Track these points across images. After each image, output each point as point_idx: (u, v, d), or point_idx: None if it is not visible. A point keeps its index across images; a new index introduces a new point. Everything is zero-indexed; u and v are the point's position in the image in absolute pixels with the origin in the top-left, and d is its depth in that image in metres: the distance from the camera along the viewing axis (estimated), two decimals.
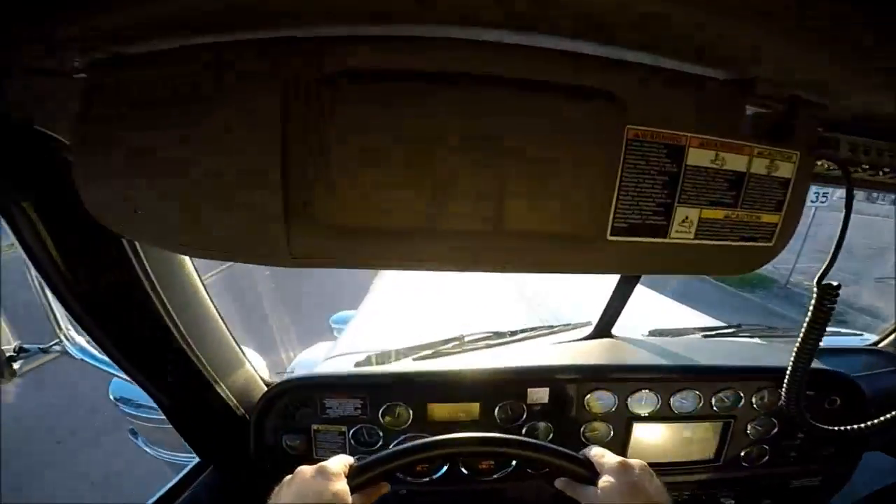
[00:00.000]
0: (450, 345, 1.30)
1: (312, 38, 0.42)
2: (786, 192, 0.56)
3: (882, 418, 0.74)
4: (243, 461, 1.04)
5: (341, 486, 0.66)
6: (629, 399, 1.08)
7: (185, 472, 1.05)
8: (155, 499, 0.96)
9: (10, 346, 1.10)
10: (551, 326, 1.45)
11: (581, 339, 1.35)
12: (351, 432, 1.04)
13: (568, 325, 1.46)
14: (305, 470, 0.69)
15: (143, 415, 1.41)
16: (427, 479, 1.06)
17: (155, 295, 0.77)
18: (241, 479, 1.06)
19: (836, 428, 0.80)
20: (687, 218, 0.54)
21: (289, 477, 0.69)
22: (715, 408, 1.10)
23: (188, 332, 0.85)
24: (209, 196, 0.45)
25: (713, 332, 1.48)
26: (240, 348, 1.07)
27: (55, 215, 0.63)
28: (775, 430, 1.14)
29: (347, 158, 0.45)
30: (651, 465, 1.06)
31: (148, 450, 1.56)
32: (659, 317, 1.95)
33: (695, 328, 1.52)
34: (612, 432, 1.09)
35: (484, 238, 0.50)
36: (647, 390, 1.08)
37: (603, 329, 1.36)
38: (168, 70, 0.43)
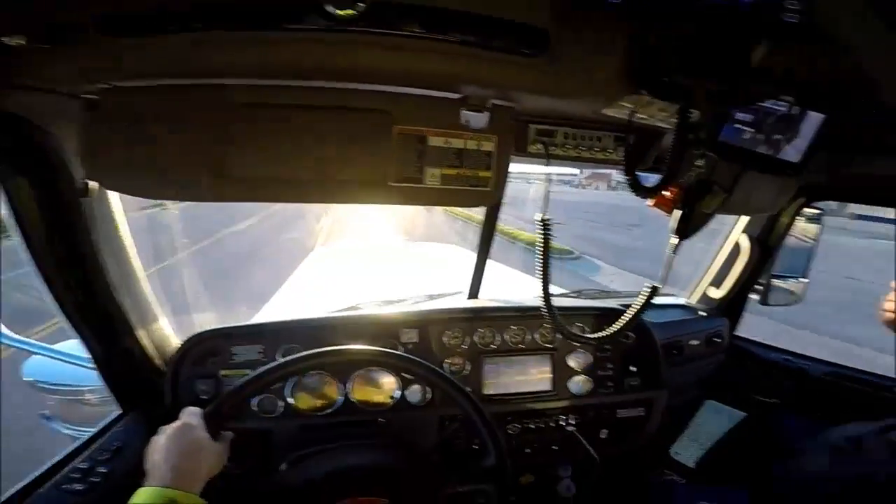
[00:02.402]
0: (345, 310, 1.56)
1: (229, 85, 0.81)
2: (491, 159, 0.97)
3: (605, 332, 1.12)
4: (159, 408, 1.22)
5: (202, 434, 0.83)
6: (475, 336, 1.40)
7: (104, 423, 1.20)
8: (77, 444, 1.11)
9: None
10: (431, 295, 1.76)
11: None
12: None
13: (444, 293, 1.78)
14: (167, 429, 0.84)
15: (61, 388, 1.53)
16: (327, 411, 1.27)
17: (98, 251, 1.03)
18: (154, 425, 1.24)
19: (588, 336, 1.16)
20: (434, 174, 0.95)
21: (156, 437, 0.83)
22: (539, 341, 1.44)
23: (120, 286, 1.10)
24: (172, 165, 0.83)
25: (559, 295, 1.87)
26: (159, 310, 1.27)
27: (41, 189, 0.91)
28: (590, 361, 1.47)
29: (245, 144, 0.85)
30: (504, 395, 1.38)
31: (63, 430, 1.64)
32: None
33: (553, 294, 1.89)
34: (467, 365, 1.39)
35: (320, 184, 0.92)
36: (486, 328, 1.41)
37: (473, 293, 1.69)
38: (145, 97, 0.79)
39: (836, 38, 0.75)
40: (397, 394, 1.32)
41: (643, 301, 1.04)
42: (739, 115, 0.93)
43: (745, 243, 1.76)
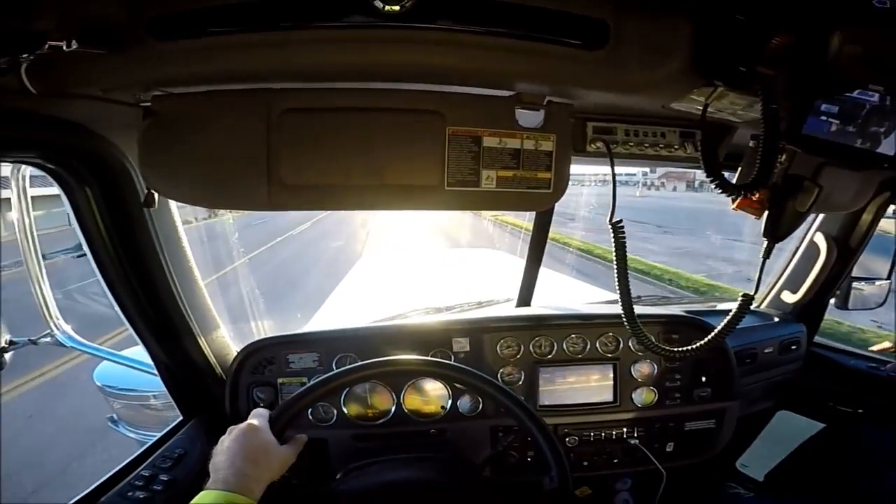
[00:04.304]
0: (393, 318, 1.55)
1: (279, 89, 0.81)
2: (551, 159, 0.92)
3: (697, 344, 1.01)
4: (219, 414, 1.25)
5: (268, 437, 0.82)
6: (531, 345, 1.35)
7: (168, 429, 1.24)
8: (143, 449, 1.16)
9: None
10: (480, 302, 1.73)
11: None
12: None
13: (492, 300, 1.74)
14: (234, 429, 0.82)
15: (127, 394, 1.60)
16: (379, 421, 1.27)
17: (163, 259, 1.07)
18: (215, 431, 1.27)
19: (673, 349, 1.05)
20: (489, 176, 0.91)
21: (223, 437, 0.82)
22: (600, 350, 1.37)
23: (184, 294, 1.13)
24: (228, 174, 0.83)
25: (611, 302, 1.78)
26: (218, 319, 1.31)
27: (107, 199, 0.95)
28: (656, 371, 1.38)
29: (297, 151, 0.83)
30: (560, 406, 1.33)
31: (129, 433, 1.72)
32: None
33: (606, 301, 1.81)
34: (522, 375, 1.34)
35: (376, 190, 0.89)
36: (543, 337, 1.35)
37: (523, 301, 1.64)
38: (196, 104, 0.79)
39: None
40: (448, 403, 1.29)
41: (737, 311, 0.94)
42: (825, 107, 0.85)
43: (823, 243, 1.61)
